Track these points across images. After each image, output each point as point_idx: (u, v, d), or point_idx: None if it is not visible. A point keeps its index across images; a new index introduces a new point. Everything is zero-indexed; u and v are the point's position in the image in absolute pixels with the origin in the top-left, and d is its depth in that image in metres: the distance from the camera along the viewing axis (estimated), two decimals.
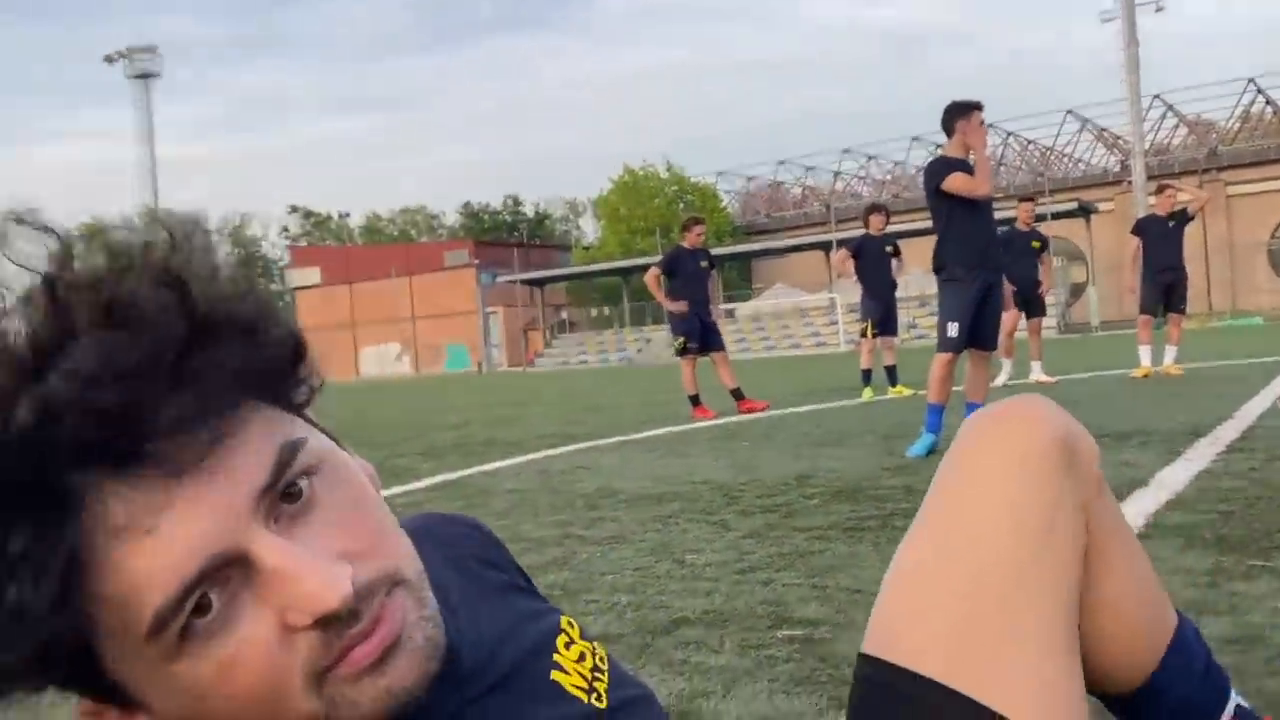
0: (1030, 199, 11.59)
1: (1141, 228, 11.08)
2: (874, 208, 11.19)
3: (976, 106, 5.91)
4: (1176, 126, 52.54)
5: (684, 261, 10.19)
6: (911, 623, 0.94)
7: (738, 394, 10.07)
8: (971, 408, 5.96)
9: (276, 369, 0.62)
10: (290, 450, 0.59)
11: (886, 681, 0.93)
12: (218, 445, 0.56)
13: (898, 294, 11.22)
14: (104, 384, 0.52)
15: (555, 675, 0.78)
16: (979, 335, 6.05)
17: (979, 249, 5.98)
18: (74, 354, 0.53)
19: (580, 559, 3.57)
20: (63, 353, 0.53)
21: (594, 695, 0.79)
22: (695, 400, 9.90)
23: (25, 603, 0.52)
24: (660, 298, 10.38)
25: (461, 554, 0.85)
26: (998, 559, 0.93)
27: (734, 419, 9.24)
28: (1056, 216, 42.93)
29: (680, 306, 10.07)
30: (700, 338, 10.11)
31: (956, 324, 5.96)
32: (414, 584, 0.63)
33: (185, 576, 0.54)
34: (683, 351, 10.17)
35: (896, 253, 10.97)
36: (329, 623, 0.57)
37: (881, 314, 10.91)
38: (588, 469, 6.21)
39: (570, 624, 0.86)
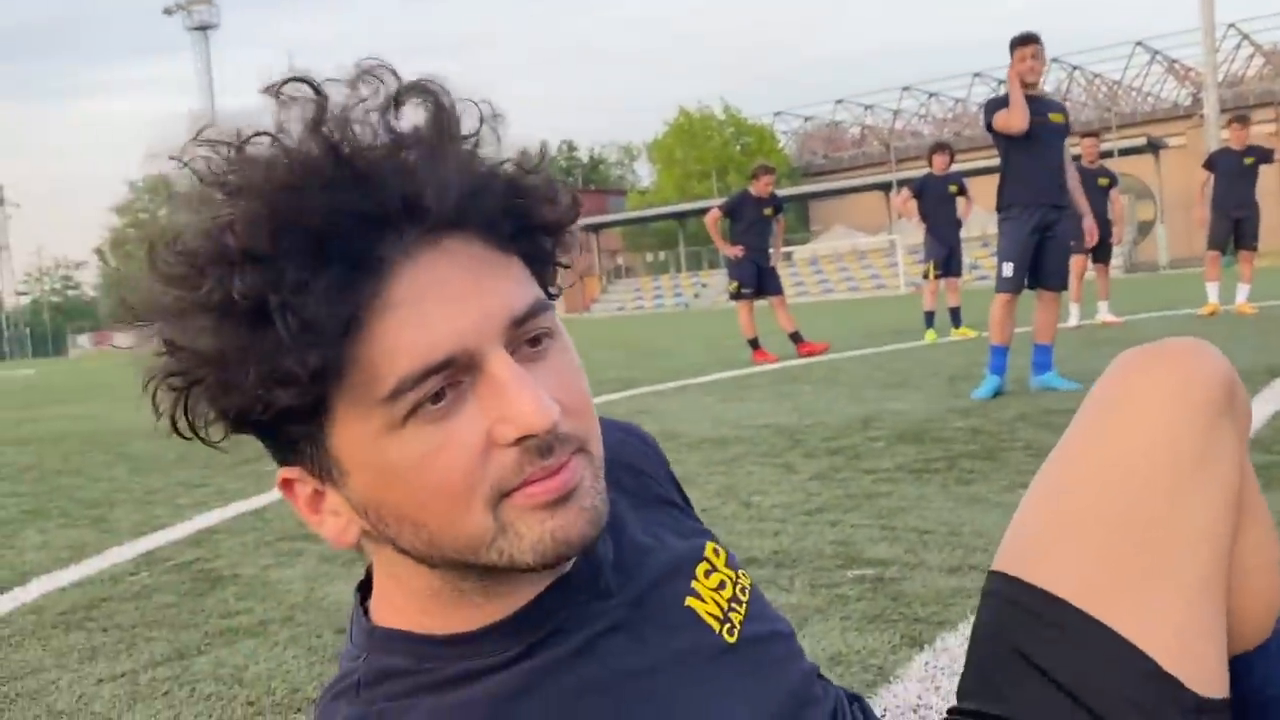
0: (1094, 134, 11.26)
1: (1213, 161, 10.75)
2: (938, 146, 10.95)
3: (1024, 40, 5.71)
4: (1252, 56, 50.59)
5: (747, 207, 10.05)
6: (1053, 545, 0.93)
7: (796, 337, 10.01)
8: (1039, 350, 5.88)
9: (550, 247, 0.72)
10: (542, 305, 0.68)
11: (1019, 600, 0.92)
12: (494, 266, 0.67)
13: (960, 234, 11.02)
14: (432, 180, 0.63)
15: (690, 601, 0.80)
16: (1042, 274, 5.91)
17: (1036, 186, 5.81)
18: (423, 157, 0.64)
19: None
20: (407, 153, 0.64)
21: (726, 626, 0.80)
22: (755, 344, 9.86)
23: (320, 321, 0.60)
24: (718, 240, 10.30)
25: (619, 460, 0.86)
26: (1151, 492, 0.91)
27: (794, 362, 9.20)
28: (1124, 153, 41.80)
29: (736, 251, 9.98)
30: (755, 282, 10.03)
31: (1011, 263, 5.85)
32: (595, 458, 0.70)
33: (432, 359, 0.62)
34: (737, 295, 10.11)
35: (962, 191, 10.74)
36: (527, 447, 0.64)
37: (945, 255, 10.74)
38: (648, 413, 6.24)
39: (715, 551, 0.87)
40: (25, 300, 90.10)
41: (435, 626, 0.72)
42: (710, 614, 0.80)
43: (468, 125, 0.67)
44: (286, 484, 0.70)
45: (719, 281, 49.61)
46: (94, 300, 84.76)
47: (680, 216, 53.42)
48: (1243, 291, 10.56)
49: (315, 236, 0.60)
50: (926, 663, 1.90)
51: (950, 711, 0.98)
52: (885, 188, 47.23)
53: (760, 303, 10.15)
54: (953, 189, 10.68)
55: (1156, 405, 0.95)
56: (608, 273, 59.68)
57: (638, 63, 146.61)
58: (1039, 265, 5.89)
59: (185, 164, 0.65)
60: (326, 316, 0.60)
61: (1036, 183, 5.83)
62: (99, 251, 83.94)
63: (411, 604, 0.72)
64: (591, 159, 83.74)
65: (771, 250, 10.25)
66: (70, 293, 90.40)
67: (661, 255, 59.84)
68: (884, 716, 1.70)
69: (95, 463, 5.98)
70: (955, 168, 11.00)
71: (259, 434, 0.68)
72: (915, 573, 2.47)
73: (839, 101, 60.74)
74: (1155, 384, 0.96)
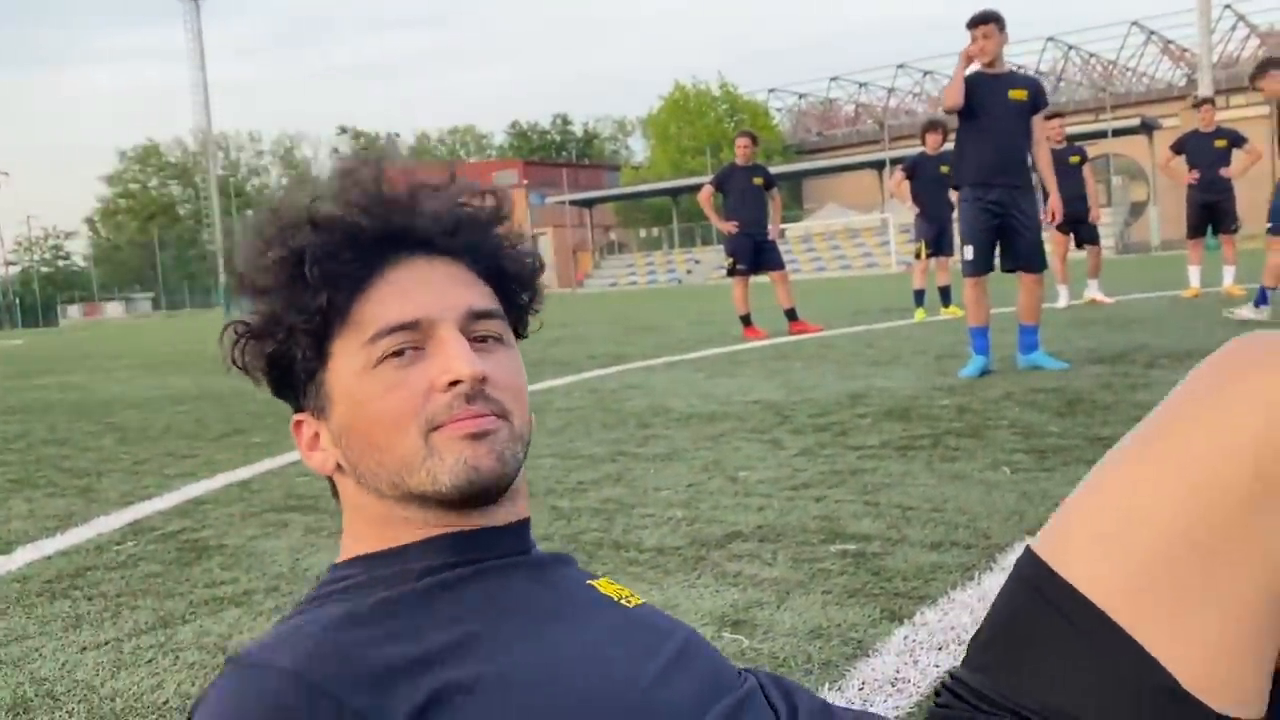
0: (1058, 115, 11.12)
1: (1182, 144, 10.63)
2: (931, 125, 10.91)
3: (975, 22, 5.65)
4: (1248, 38, 50.51)
5: (735, 178, 10.05)
6: (1098, 542, 0.87)
7: (791, 314, 10.02)
8: (1024, 330, 5.86)
9: (515, 273, 0.99)
10: (498, 313, 0.94)
11: (1043, 589, 0.88)
12: (468, 279, 0.93)
13: (952, 214, 11.03)
14: (435, 221, 0.92)
15: (590, 582, 0.97)
16: (1015, 257, 5.80)
17: (986, 165, 5.70)
18: (435, 206, 0.93)
19: (633, 475, 3.62)
20: (425, 191, 0.94)
21: (623, 600, 0.95)
22: (746, 320, 9.87)
23: (333, 278, 0.88)
24: (713, 217, 10.27)
25: None
26: (1226, 503, 0.83)
27: (785, 340, 9.21)
28: (1118, 133, 41.77)
29: (730, 226, 9.97)
30: (751, 257, 10.01)
31: (971, 246, 5.80)
32: (516, 429, 0.91)
33: (404, 319, 0.88)
34: (732, 271, 10.11)
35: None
36: (457, 392, 0.86)
37: (935, 234, 10.74)
38: (638, 388, 6.25)
39: (610, 581, 1.00)
40: (14, 270, 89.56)
41: (381, 544, 0.90)
42: (608, 592, 0.95)
43: (493, 214, 0.97)
44: (298, 425, 0.95)
45: (712, 258, 49.54)
46: (84, 271, 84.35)
47: (674, 193, 53.25)
48: (1229, 274, 10.57)
49: (354, 232, 0.89)
50: (906, 636, 1.92)
51: (953, 677, 0.96)
52: (879, 166, 47.14)
53: (760, 279, 10.14)
54: (944, 169, 10.67)
55: (1264, 406, 0.84)
56: (600, 248, 59.57)
57: (634, 37, 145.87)
58: (1010, 247, 5.79)
59: (338, 166, 0.96)
60: (339, 276, 0.88)
61: (986, 162, 5.71)
62: (89, 221, 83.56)
63: (369, 529, 0.91)
64: (586, 133, 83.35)
65: (770, 225, 10.23)
66: (60, 263, 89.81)
67: (655, 231, 59.70)
68: (862, 688, 1.71)
69: (83, 433, 5.97)
70: (949, 146, 10.99)
71: (283, 379, 0.93)
72: (897, 548, 2.49)
73: (833, 79, 60.54)
74: (1258, 386, 0.85)
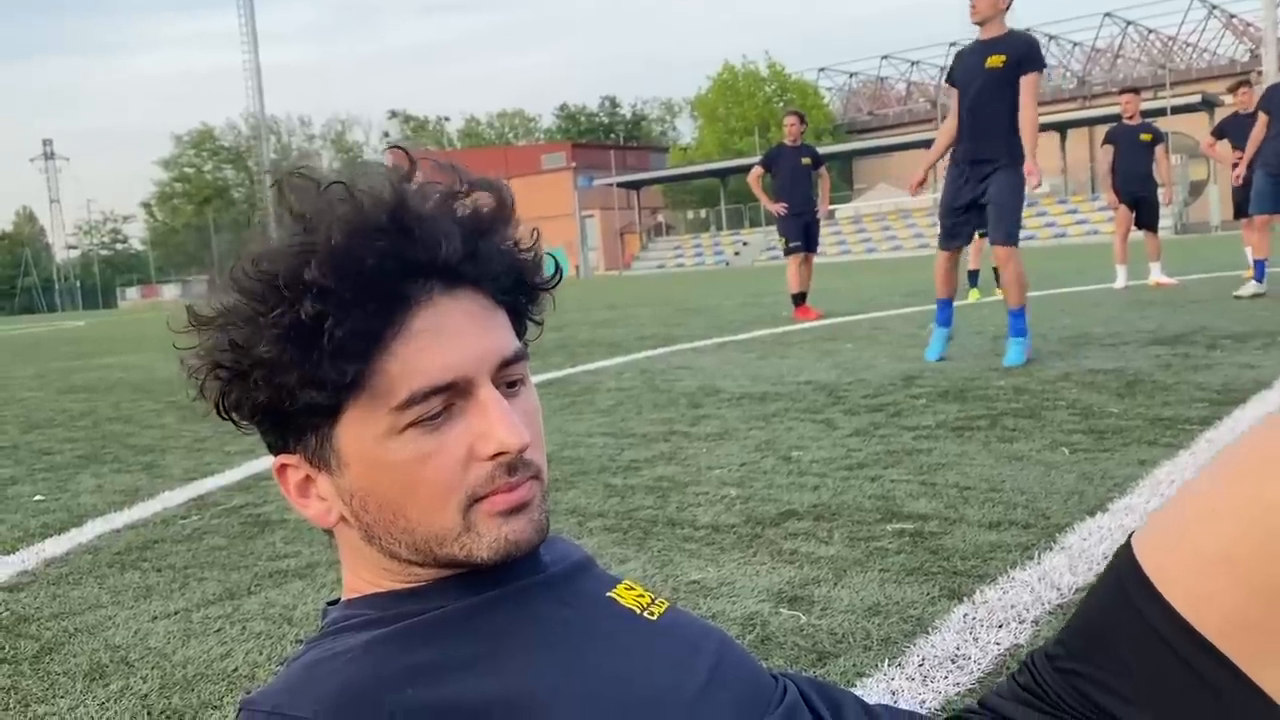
0: (1134, 90, 10.95)
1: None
2: None
3: None
4: None
5: (783, 158, 9.99)
6: (1204, 568, 0.82)
7: (799, 299, 9.93)
8: (1011, 314, 5.46)
9: (535, 289, 0.89)
10: (523, 354, 0.85)
11: (1137, 602, 0.84)
12: (492, 316, 0.83)
13: None
14: (454, 235, 0.79)
15: (609, 594, 0.91)
16: (988, 227, 5.48)
17: (960, 140, 5.52)
18: (442, 212, 0.81)
19: (686, 454, 3.63)
20: (432, 210, 0.80)
21: (647, 611, 0.90)
22: (800, 299, 9.79)
23: (355, 340, 0.75)
24: (763, 198, 10.22)
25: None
26: None
27: (835, 321, 9.15)
28: (1177, 111, 40.87)
29: (780, 208, 9.92)
30: (803, 236, 9.96)
31: (940, 220, 5.73)
32: (544, 484, 0.85)
33: (440, 380, 0.78)
34: (789, 251, 10.04)
35: None
36: (500, 462, 0.79)
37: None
38: (689, 369, 6.25)
39: (630, 586, 0.94)
40: (75, 254, 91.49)
41: (395, 585, 0.85)
42: (630, 603, 0.90)
43: (500, 215, 0.84)
44: (281, 469, 0.84)
45: (760, 239, 49.29)
46: (142, 254, 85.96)
47: (722, 174, 53.02)
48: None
49: (365, 275, 0.76)
50: (965, 614, 1.91)
51: (1047, 657, 0.93)
52: (930, 145, 46.51)
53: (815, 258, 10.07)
54: None
55: None
56: (648, 230, 59.49)
57: (682, 18, 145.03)
58: (985, 219, 5.48)
59: (279, 191, 0.81)
60: (361, 336, 0.75)
61: (962, 136, 5.51)
62: (146, 205, 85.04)
63: (375, 571, 0.85)
64: (634, 115, 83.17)
65: (819, 205, 10.16)
66: (119, 246, 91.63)
67: (702, 213, 59.51)
68: (922, 665, 1.71)
69: (146, 411, 6.11)
70: None
71: (273, 425, 0.82)
72: (955, 528, 2.47)
73: (885, 57, 59.87)
74: None
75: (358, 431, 0.79)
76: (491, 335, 0.82)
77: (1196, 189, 43.92)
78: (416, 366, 0.77)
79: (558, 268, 0.91)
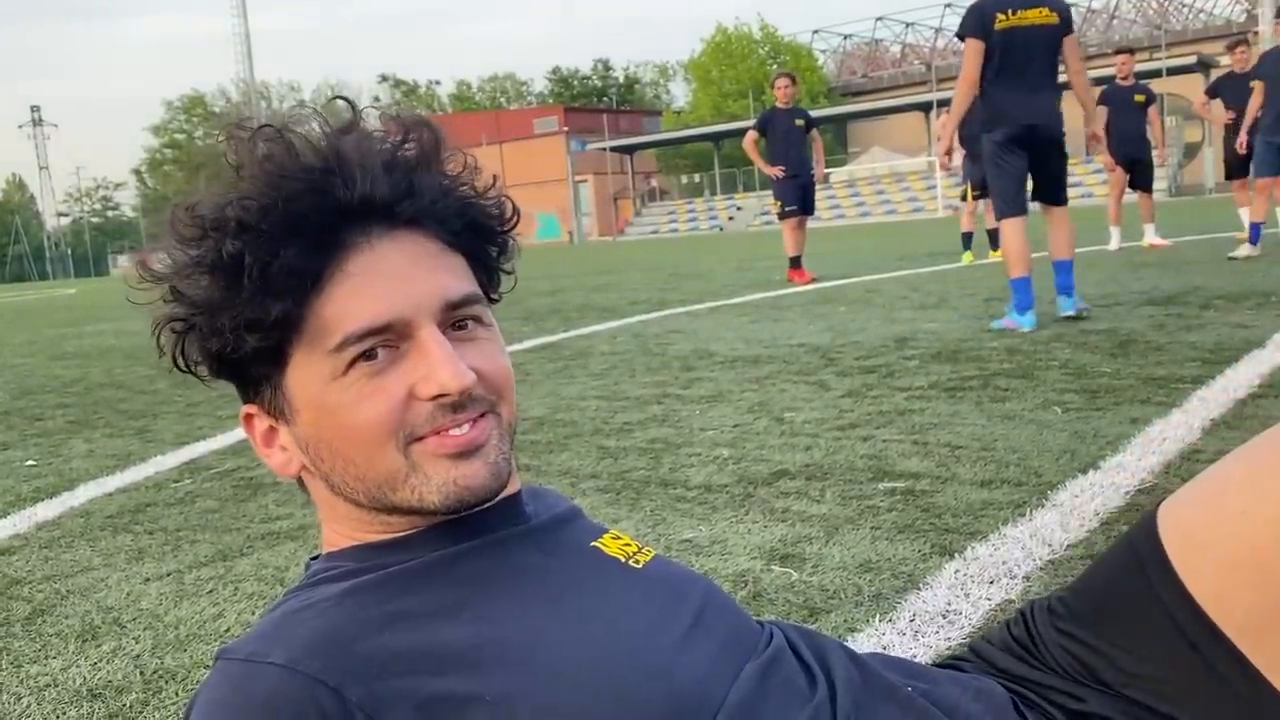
0: (1130, 51, 10.89)
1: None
2: None
3: None
4: None
5: (776, 120, 9.92)
6: (1230, 566, 0.81)
7: (795, 261, 9.92)
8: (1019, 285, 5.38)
9: (491, 245, 0.87)
10: (475, 298, 0.83)
11: (1156, 585, 0.85)
12: (438, 259, 0.81)
13: None
14: (384, 174, 0.78)
15: (594, 544, 0.90)
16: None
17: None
18: (373, 152, 0.80)
19: (679, 416, 3.63)
20: (363, 150, 0.79)
21: (632, 559, 0.89)
22: (796, 262, 9.76)
23: (283, 281, 0.75)
24: (758, 161, 10.15)
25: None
26: None
27: (828, 284, 9.14)
28: (1172, 72, 40.65)
29: (776, 171, 9.87)
30: (800, 200, 9.92)
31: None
32: (505, 421, 0.83)
33: (375, 321, 0.76)
34: (783, 215, 10.00)
35: None
36: (441, 403, 0.77)
37: (982, 177, 10.56)
38: (682, 333, 6.24)
39: (617, 535, 0.93)
40: (65, 221, 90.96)
41: (372, 537, 0.84)
42: (615, 552, 0.88)
43: (434, 151, 0.83)
44: (248, 418, 0.85)
45: (754, 204, 49.13)
46: (133, 220, 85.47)
47: (716, 138, 52.73)
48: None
49: (293, 217, 0.75)
50: (956, 571, 1.91)
51: (1049, 611, 0.93)
52: (925, 108, 46.26)
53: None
54: None
55: None
56: (641, 195, 59.22)
57: None
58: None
59: (218, 143, 0.83)
60: (288, 277, 0.75)
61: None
62: (137, 172, 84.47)
63: (350, 524, 0.84)
64: (627, 79, 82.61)
65: (814, 167, 10.09)
66: (110, 213, 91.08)
67: (696, 177, 59.24)
68: (913, 620, 1.72)
69: (137, 377, 6.09)
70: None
71: (232, 375, 0.82)
72: (946, 486, 2.47)
73: (879, 19, 59.49)
74: None
75: (303, 377, 0.79)
76: (435, 276, 0.80)
77: (1191, 151, 43.78)
78: (351, 309, 0.76)
79: (516, 210, 0.89)
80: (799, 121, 9.95)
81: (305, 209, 0.76)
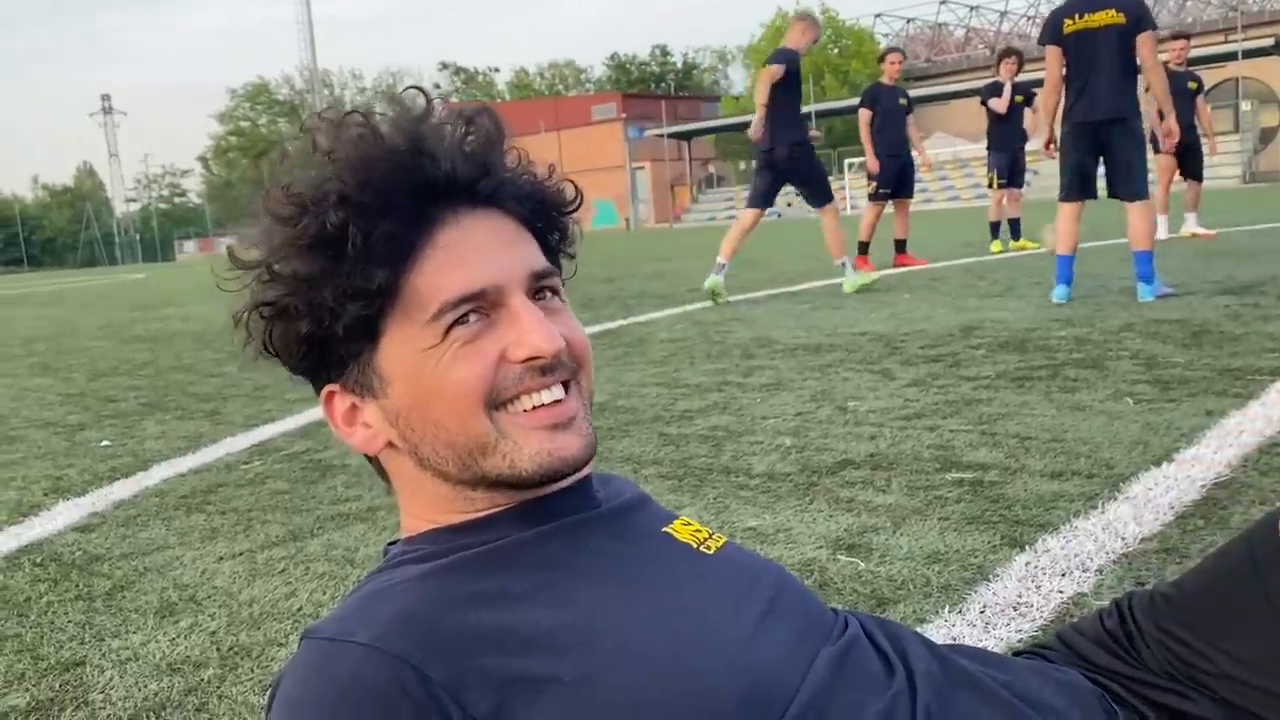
0: (1186, 36, 10.59)
1: None
2: (1006, 52, 10.49)
3: None
4: None
5: (883, 97, 9.61)
6: None
7: (900, 245, 9.79)
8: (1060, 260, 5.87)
9: (556, 228, 0.91)
10: (554, 270, 0.87)
11: (1270, 585, 0.84)
12: (519, 234, 0.85)
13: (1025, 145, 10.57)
14: (465, 156, 0.82)
15: (665, 529, 0.91)
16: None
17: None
18: (452, 136, 0.83)
19: (740, 404, 3.62)
20: (443, 134, 0.83)
21: (703, 545, 0.89)
22: (864, 248, 9.58)
23: (383, 250, 0.79)
24: (870, 147, 9.65)
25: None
26: None
27: (891, 272, 9.03)
28: (1248, 55, 39.45)
29: (877, 165, 9.57)
30: (895, 181, 9.64)
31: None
32: (585, 390, 0.86)
33: (469, 288, 0.80)
34: (874, 196, 9.79)
35: (1027, 102, 10.30)
36: (530, 366, 0.80)
37: (1008, 164, 10.49)
38: (741, 320, 6.22)
39: (688, 521, 0.93)
40: (134, 207, 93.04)
41: (451, 519, 0.85)
42: (686, 538, 0.89)
43: (499, 136, 0.86)
44: (329, 397, 0.87)
45: None
46: (199, 207, 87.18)
47: None
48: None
49: (388, 193, 0.79)
50: (1028, 563, 1.89)
51: (1152, 607, 0.92)
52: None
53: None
54: (1018, 99, 10.26)
55: None
56: (699, 181, 59.01)
57: None
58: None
59: (306, 131, 0.84)
60: (389, 244, 0.78)
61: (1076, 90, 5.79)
62: (202, 159, 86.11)
63: (432, 507, 0.86)
64: (685, 64, 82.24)
65: (914, 150, 9.88)
66: (177, 200, 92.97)
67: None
68: (983, 612, 1.69)
69: (206, 360, 6.22)
70: (1022, 77, 10.52)
71: (319, 357, 0.84)
72: (1016, 477, 2.44)
73: (943, 2, 58.38)
74: None
75: (398, 349, 0.81)
76: (518, 248, 0.84)
77: (1267, 136, 42.47)
78: (444, 279, 0.80)
79: (578, 192, 0.93)
80: (902, 100, 9.65)
81: (398, 185, 0.80)
